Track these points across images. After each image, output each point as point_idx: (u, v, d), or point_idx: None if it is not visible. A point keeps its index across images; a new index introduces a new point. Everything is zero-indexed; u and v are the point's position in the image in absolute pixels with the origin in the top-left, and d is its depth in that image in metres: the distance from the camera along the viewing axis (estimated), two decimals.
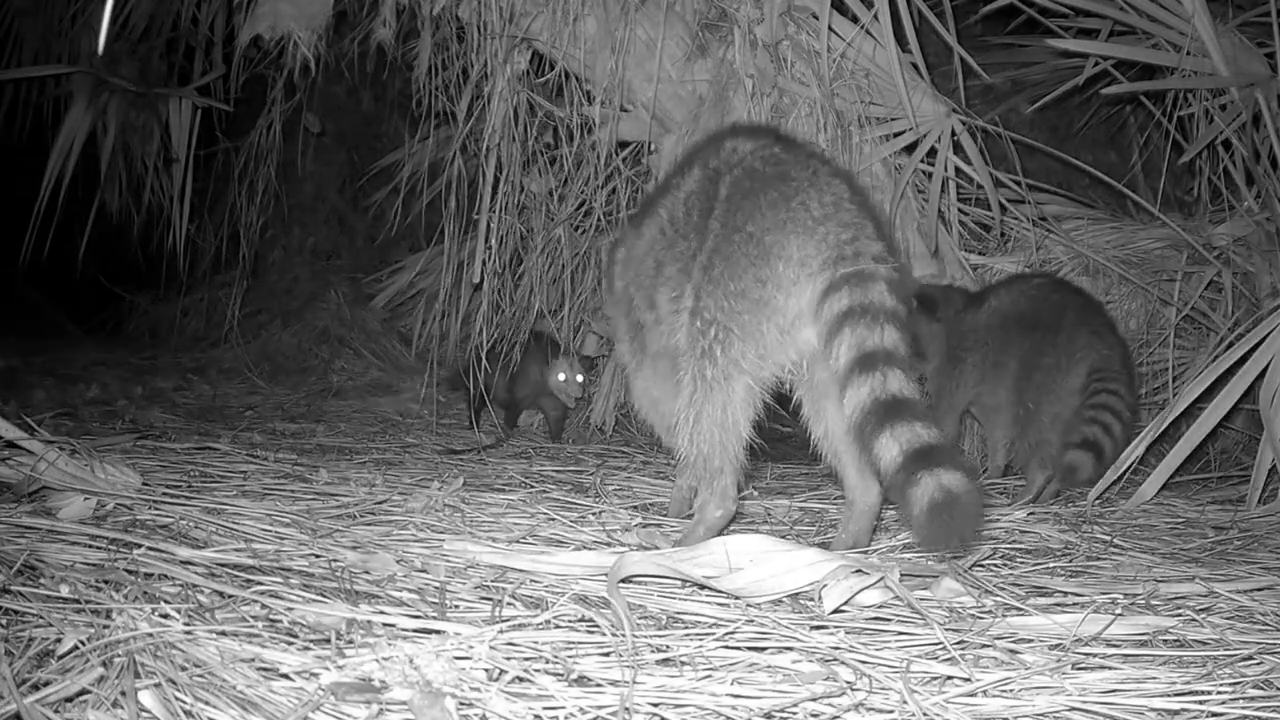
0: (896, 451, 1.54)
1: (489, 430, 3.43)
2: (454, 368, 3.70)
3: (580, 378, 3.27)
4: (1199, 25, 2.90)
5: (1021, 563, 1.93)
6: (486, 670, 1.19)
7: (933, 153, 2.95)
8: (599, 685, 1.20)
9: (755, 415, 1.81)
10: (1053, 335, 2.72)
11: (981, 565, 1.87)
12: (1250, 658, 1.41)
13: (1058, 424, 2.68)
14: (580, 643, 1.31)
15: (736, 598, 1.54)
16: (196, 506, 1.83)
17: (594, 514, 2.15)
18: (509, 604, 1.46)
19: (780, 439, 3.27)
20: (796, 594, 1.56)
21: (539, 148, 3.12)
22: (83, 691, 1.08)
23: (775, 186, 1.75)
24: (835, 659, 1.31)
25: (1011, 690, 1.26)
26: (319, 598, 1.39)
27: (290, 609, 1.33)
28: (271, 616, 1.31)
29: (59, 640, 1.16)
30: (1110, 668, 1.35)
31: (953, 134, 2.94)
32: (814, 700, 1.18)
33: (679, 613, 1.50)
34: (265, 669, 1.16)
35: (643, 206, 2.10)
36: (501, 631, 1.28)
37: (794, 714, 1.17)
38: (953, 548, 1.55)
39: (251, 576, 1.46)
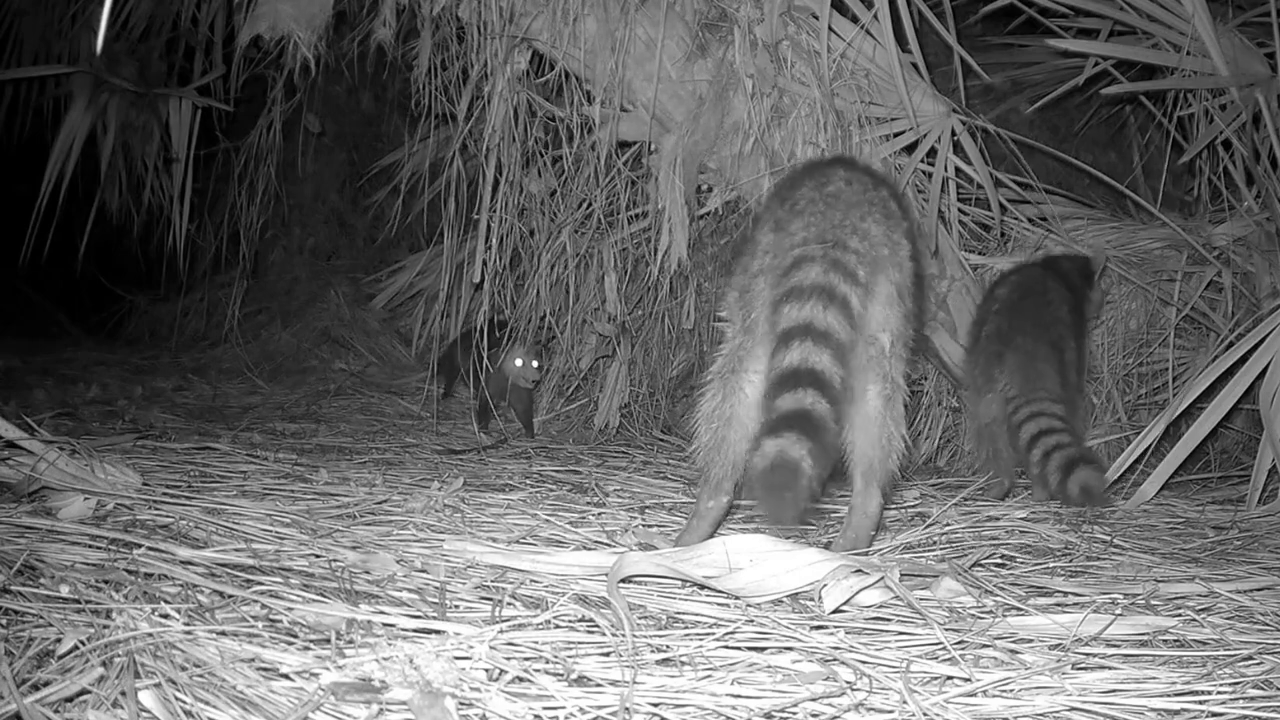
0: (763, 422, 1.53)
1: (489, 430, 3.43)
2: (449, 353, 3.74)
3: (535, 363, 3.33)
4: (1199, 25, 2.90)
5: (1021, 563, 1.94)
6: (486, 670, 1.19)
7: (933, 153, 2.95)
8: (599, 685, 1.20)
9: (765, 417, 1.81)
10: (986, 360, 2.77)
11: (981, 565, 1.87)
12: (1250, 658, 1.41)
13: (996, 428, 2.72)
14: (580, 643, 1.31)
15: (736, 598, 1.54)
16: (196, 506, 1.83)
17: (594, 514, 2.15)
18: (509, 604, 1.46)
19: None
20: (796, 594, 1.56)
21: (539, 148, 3.12)
22: (83, 691, 1.08)
23: (781, 194, 1.82)
24: (835, 659, 1.31)
25: (1011, 690, 1.26)
26: (319, 598, 1.39)
27: (290, 609, 1.33)
28: (271, 616, 1.31)
29: (59, 640, 1.16)
30: (1110, 668, 1.35)
31: (953, 134, 2.94)
32: (814, 700, 1.19)
33: (679, 613, 1.50)
34: (265, 669, 1.16)
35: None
36: (501, 631, 1.29)
37: (794, 714, 1.17)
38: (784, 517, 1.50)
39: (251, 576, 1.46)
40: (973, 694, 1.23)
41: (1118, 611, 1.56)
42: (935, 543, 2.03)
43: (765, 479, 1.46)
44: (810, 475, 1.46)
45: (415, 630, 1.29)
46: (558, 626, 1.37)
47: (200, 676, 1.12)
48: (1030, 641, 1.44)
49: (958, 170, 3.04)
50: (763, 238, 1.79)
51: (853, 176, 1.83)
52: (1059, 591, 1.73)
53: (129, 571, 1.40)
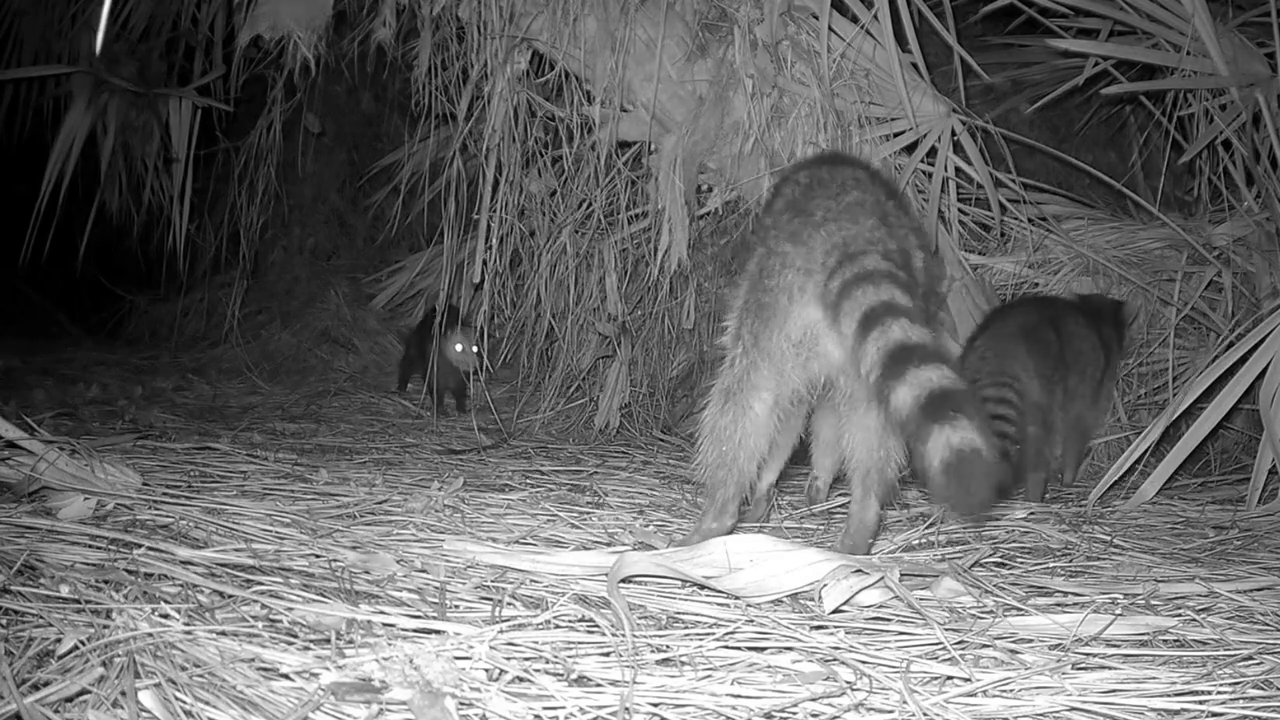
0: (909, 399, 1.45)
1: (489, 430, 3.43)
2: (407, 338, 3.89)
3: (475, 348, 3.38)
4: (1199, 25, 2.90)
5: (1021, 563, 1.94)
6: (486, 670, 1.19)
7: (933, 153, 2.95)
8: (599, 685, 1.20)
9: (771, 434, 1.79)
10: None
11: (981, 565, 1.87)
12: (1250, 658, 1.41)
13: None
14: (580, 643, 1.31)
15: (736, 598, 1.54)
16: (196, 506, 1.83)
17: (595, 514, 2.16)
18: (509, 604, 1.46)
19: None
20: (796, 594, 1.56)
21: (539, 148, 3.12)
22: (83, 691, 1.08)
23: (798, 205, 1.77)
24: (835, 659, 1.31)
25: (1011, 690, 1.26)
26: (319, 598, 1.39)
27: (290, 609, 1.33)
28: (271, 616, 1.31)
29: (59, 640, 1.16)
30: (1110, 668, 1.35)
31: (953, 134, 2.94)
32: (814, 700, 1.19)
33: (679, 613, 1.50)
34: (265, 669, 1.16)
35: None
36: (501, 631, 1.29)
37: (794, 714, 1.17)
38: (971, 508, 1.45)
39: (251, 576, 1.46)
40: (973, 694, 1.23)
41: (1118, 611, 1.56)
42: (935, 543, 2.03)
43: (953, 473, 1.37)
44: (994, 460, 1.39)
45: (415, 630, 1.29)
46: (558, 626, 1.37)
47: (200, 676, 1.12)
48: (1030, 641, 1.44)
49: (958, 170, 3.03)
50: (780, 247, 1.74)
51: (863, 182, 1.80)
52: (1059, 591, 1.73)
53: (129, 571, 1.40)
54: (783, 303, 1.71)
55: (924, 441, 1.41)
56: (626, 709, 1.12)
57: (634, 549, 1.81)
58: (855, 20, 2.84)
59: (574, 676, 1.21)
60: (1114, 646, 1.44)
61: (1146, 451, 2.58)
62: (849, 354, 1.60)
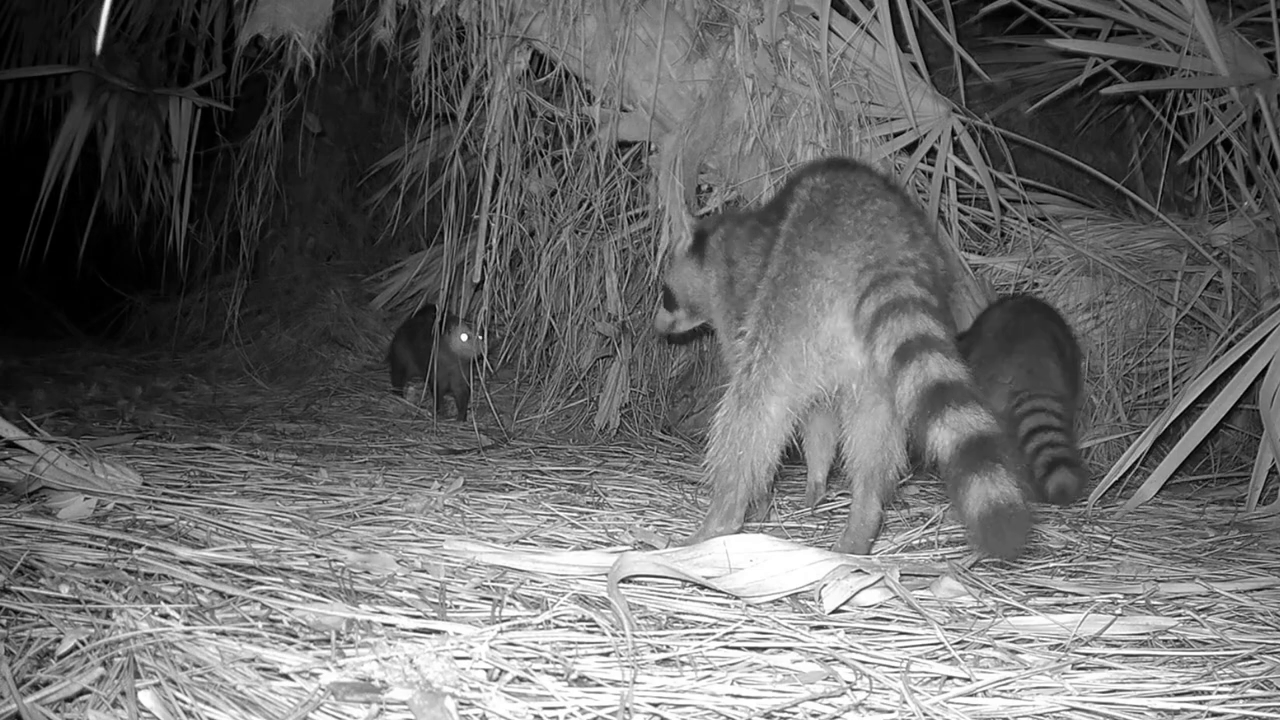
0: (949, 442, 1.47)
1: (489, 430, 3.43)
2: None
3: (481, 337, 3.36)
4: (1199, 25, 2.90)
5: (1021, 563, 1.94)
6: (486, 670, 1.19)
7: (933, 153, 2.95)
8: (599, 685, 1.20)
9: (785, 440, 1.79)
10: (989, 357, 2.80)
11: (981, 565, 1.87)
12: (1250, 658, 1.41)
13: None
14: (580, 643, 1.31)
15: (736, 598, 1.54)
16: (196, 506, 1.83)
17: (595, 514, 2.16)
18: (509, 604, 1.46)
19: None
20: (796, 594, 1.56)
21: (539, 148, 3.12)
22: (83, 691, 1.08)
23: (822, 212, 1.78)
24: (835, 659, 1.31)
25: (1011, 690, 1.26)
26: (319, 598, 1.39)
27: (290, 609, 1.33)
28: (271, 616, 1.31)
29: (59, 640, 1.16)
30: (1110, 668, 1.35)
31: (953, 134, 2.94)
32: (814, 700, 1.19)
33: (679, 613, 1.50)
34: (265, 669, 1.16)
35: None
36: (501, 631, 1.29)
37: (794, 714, 1.17)
38: (1007, 557, 1.50)
39: (251, 576, 1.46)
40: (973, 694, 1.23)
41: (1118, 611, 1.56)
42: (935, 543, 2.03)
43: (990, 525, 1.40)
44: (1029, 511, 1.42)
45: (415, 630, 1.29)
46: (558, 626, 1.37)
47: (200, 676, 1.12)
48: (1030, 641, 1.44)
49: (958, 170, 3.04)
50: (807, 255, 1.74)
51: (883, 191, 1.81)
52: (1059, 591, 1.73)
53: (129, 571, 1.40)
54: (812, 312, 1.72)
55: (963, 491, 1.43)
56: (626, 709, 1.12)
57: (634, 549, 1.82)
58: (855, 20, 2.84)
59: (574, 676, 1.21)
60: (1114, 646, 1.44)
61: (1146, 451, 2.58)
62: (883, 381, 1.63)
